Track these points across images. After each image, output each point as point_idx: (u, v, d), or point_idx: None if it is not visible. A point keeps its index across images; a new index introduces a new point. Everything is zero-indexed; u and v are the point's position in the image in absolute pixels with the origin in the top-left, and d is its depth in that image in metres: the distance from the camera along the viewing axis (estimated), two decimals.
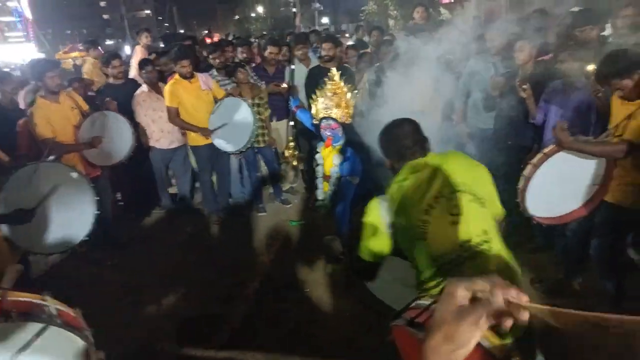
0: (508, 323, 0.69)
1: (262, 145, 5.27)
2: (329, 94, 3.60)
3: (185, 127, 4.96)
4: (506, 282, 0.71)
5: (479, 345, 0.75)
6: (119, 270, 4.36)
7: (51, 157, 3.73)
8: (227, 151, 4.97)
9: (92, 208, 3.60)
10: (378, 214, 2.00)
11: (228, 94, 4.99)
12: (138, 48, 7.21)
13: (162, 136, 5.04)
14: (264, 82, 5.35)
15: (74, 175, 3.53)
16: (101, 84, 5.72)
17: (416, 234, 1.86)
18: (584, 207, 2.96)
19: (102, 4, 74.70)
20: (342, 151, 3.67)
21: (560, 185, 2.88)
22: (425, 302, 1.06)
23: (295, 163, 5.40)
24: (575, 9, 5.23)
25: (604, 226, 3.05)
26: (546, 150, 2.80)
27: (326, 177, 3.80)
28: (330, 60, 5.09)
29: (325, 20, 37.03)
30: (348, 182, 3.72)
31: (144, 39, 7.29)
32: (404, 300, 2.47)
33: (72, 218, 3.51)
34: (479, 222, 1.87)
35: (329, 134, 3.63)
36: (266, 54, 5.59)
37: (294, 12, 6.04)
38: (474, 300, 0.71)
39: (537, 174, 2.78)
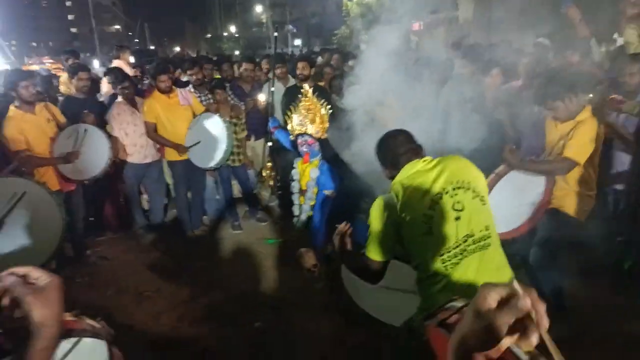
0: (525, 343, 0.71)
1: (237, 164, 5.27)
2: (303, 110, 3.66)
3: (161, 142, 4.92)
4: (539, 298, 0.73)
5: (509, 350, 0.78)
6: (89, 288, 4.22)
7: (10, 168, 3.57)
8: (202, 167, 4.96)
9: (59, 224, 3.46)
10: (383, 212, 2.03)
11: (205, 110, 4.99)
12: (121, 63, 7.07)
13: (135, 150, 4.95)
14: (242, 102, 5.38)
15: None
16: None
17: (421, 229, 1.93)
18: (527, 223, 3.18)
19: (70, 17, 73.60)
20: (318, 166, 3.73)
21: (511, 203, 3.10)
22: (458, 304, 1.09)
23: (271, 183, 5.41)
24: (541, 39, 5.54)
25: (547, 232, 3.27)
26: (497, 170, 3.06)
27: (302, 192, 3.83)
28: (305, 79, 5.18)
29: (297, 42, 37.53)
30: (324, 196, 3.76)
31: (127, 56, 7.25)
32: (391, 309, 2.50)
33: (39, 234, 3.36)
34: (482, 217, 1.97)
35: (305, 149, 3.68)
36: (241, 70, 5.63)
37: (275, 35, 6.07)
38: (503, 304, 0.73)
39: (492, 194, 2.93)
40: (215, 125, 4.77)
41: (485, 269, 1.91)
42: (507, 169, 3.04)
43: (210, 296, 4.03)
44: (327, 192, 3.73)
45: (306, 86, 3.81)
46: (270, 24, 33.17)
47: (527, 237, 3.30)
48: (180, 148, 4.84)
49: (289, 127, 3.77)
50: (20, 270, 0.94)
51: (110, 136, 4.57)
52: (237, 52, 32.28)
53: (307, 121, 3.63)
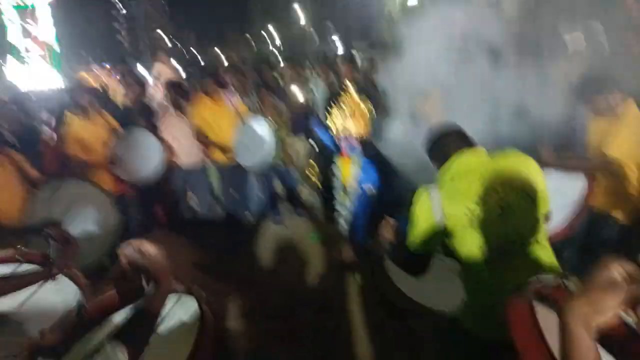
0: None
1: (278, 162, 5.36)
2: (343, 106, 3.65)
3: (208, 144, 5.07)
4: None
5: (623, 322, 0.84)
6: None
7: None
8: (247, 168, 5.08)
9: (114, 223, 3.64)
10: (428, 203, 1.98)
11: (250, 112, 5.11)
12: (160, 68, 7.32)
13: (182, 153, 5.13)
14: (283, 102, 5.47)
15: None
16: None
17: (462, 222, 1.90)
18: (568, 226, 2.96)
19: (117, 25, 76.40)
20: (358, 161, 3.73)
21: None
22: (548, 278, 1.11)
23: (314, 180, 5.45)
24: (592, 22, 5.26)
25: (589, 237, 3.12)
26: None
27: (343, 188, 3.84)
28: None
29: (337, 41, 37.46)
30: (364, 192, 3.75)
31: (163, 62, 7.43)
32: (435, 295, 2.46)
33: (95, 233, 3.54)
34: (528, 218, 1.91)
35: (345, 145, 3.70)
36: (282, 71, 5.73)
37: (313, 35, 6.15)
38: (626, 279, 0.80)
39: None
40: (260, 126, 4.87)
41: (527, 269, 1.84)
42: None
43: (252, 291, 4.11)
44: (367, 188, 3.71)
45: (348, 82, 3.80)
46: (310, 25, 33.34)
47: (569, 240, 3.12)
48: (228, 150, 4.98)
49: (329, 123, 3.77)
50: (135, 243, 1.32)
51: (161, 139, 4.76)
52: (278, 54, 32.62)
53: (347, 116, 3.61)
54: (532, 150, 2.91)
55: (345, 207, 3.88)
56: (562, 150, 3.02)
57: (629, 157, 2.82)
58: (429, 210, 1.97)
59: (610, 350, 0.91)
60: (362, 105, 3.65)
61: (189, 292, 1.64)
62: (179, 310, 1.63)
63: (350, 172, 3.74)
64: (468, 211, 1.89)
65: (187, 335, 1.49)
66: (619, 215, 3.01)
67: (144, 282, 1.32)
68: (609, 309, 0.79)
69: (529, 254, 1.89)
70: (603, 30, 4.83)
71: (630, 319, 0.83)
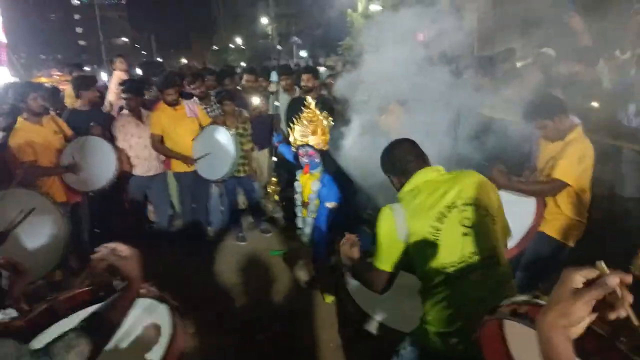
0: (612, 316, 0.81)
1: (242, 174, 5.29)
2: (305, 121, 3.67)
3: (167, 154, 4.95)
4: (626, 273, 0.82)
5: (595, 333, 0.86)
6: None
7: (16, 180, 3.57)
8: (209, 179, 4.97)
9: (64, 235, 3.49)
10: (392, 222, 1.98)
11: (212, 122, 5.02)
12: (116, 73, 7.13)
13: (139, 163, 4.96)
14: (247, 114, 5.40)
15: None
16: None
17: (426, 241, 1.90)
18: (517, 246, 3.02)
19: (79, 30, 74.55)
20: (319, 178, 3.73)
21: None
22: (523, 297, 1.12)
23: (276, 198, 5.44)
24: (546, 49, 5.53)
25: (533, 256, 3.18)
26: None
27: (305, 204, 3.84)
28: (309, 91, 5.21)
29: (303, 53, 37.73)
30: (325, 209, 3.76)
31: (119, 64, 7.18)
32: (401, 316, 2.46)
33: (44, 244, 3.39)
34: (490, 237, 1.93)
35: (306, 160, 3.70)
36: (243, 82, 5.70)
37: (279, 48, 6.21)
38: (589, 284, 0.82)
39: None
40: (222, 137, 4.79)
41: (487, 286, 1.88)
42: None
43: (214, 308, 4.01)
44: (329, 204, 3.72)
45: (309, 98, 3.83)
46: (276, 36, 33.45)
47: (514, 260, 3.17)
48: (188, 160, 4.86)
49: (291, 138, 3.78)
50: (110, 245, 1.46)
51: (116, 148, 4.61)
52: (243, 64, 32.51)
53: (308, 132, 3.65)
54: (485, 169, 3.00)
55: (306, 223, 3.87)
56: (515, 171, 3.11)
57: (574, 182, 2.92)
58: (392, 229, 1.97)
59: None
60: (324, 122, 3.67)
61: (160, 299, 1.78)
62: (146, 316, 1.73)
63: (311, 188, 3.74)
64: (432, 229, 1.90)
65: (150, 340, 1.65)
66: (559, 236, 3.10)
67: (115, 283, 1.49)
68: (581, 318, 0.81)
69: (490, 273, 1.91)
70: (555, 57, 5.06)
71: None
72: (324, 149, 3.68)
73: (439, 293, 1.91)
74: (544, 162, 3.10)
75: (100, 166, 4.37)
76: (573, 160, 2.89)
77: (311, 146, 3.64)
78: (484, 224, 1.93)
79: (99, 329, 1.25)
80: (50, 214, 3.44)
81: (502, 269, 1.95)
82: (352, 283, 2.64)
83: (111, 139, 4.72)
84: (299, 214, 3.95)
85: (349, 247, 2.31)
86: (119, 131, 4.85)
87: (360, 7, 21.63)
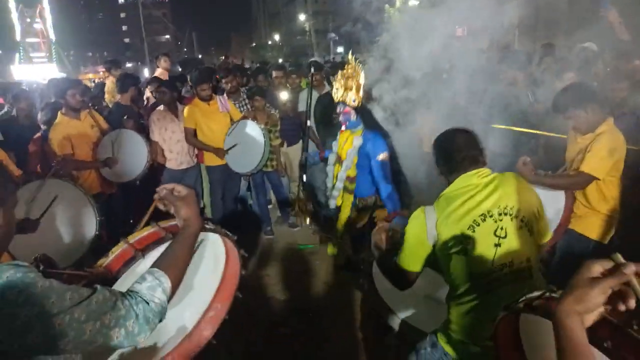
0: (623, 306, 0.85)
1: (270, 169, 5.36)
2: (342, 78, 3.52)
3: (200, 146, 5.07)
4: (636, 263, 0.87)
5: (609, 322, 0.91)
6: None
7: (52, 171, 3.72)
8: (239, 172, 5.06)
9: (93, 227, 3.60)
10: (423, 224, 1.92)
11: (243, 117, 5.11)
12: (158, 71, 7.41)
13: (172, 157, 5.10)
14: (277, 110, 5.46)
15: None
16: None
17: (455, 248, 1.86)
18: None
19: (124, 28, 77.06)
20: (362, 134, 3.55)
21: None
22: (536, 294, 1.15)
23: (306, 217, 5.30)
24: (588, 44, 5.34)
25: (564, 255, 3.09)
26: None
27: (340, 160, 3.66)
28: None
29: (340, 49, 37.70)
30: (378, 164, 3.47)
31: (163, 62, 7.48)
32: (418, 312, 2.43)
33: (74, 232, 3.52)
34: (524, 249, 1.86)
35: (342, 119, 3.56)
36: (273, 77, 5.77)
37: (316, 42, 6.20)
38: (605, 274, 0.87)
39: None
40: (253, 131, 4.86)
41: (515, 294, 1.78)
42: None
43: (241, 301, 4.07)
44: (381, 156, 3.47)
45: (350, 55, 3.62)
46: (313, 32, 33.53)
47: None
48: (219, 152, 4.97)
49: (333, 94, 3.62)
50: (169, 186, 1.48)
51: (149, 141, 4.76)
52: (280, 60, 32.81)
53: (345, 89, 3.49)
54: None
55: (337, 188, 3.70)
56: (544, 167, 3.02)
57: (603, 175, 2.81)
58: (422, 230, 1.92)
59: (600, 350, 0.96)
60: (361, 79, 3.51)
61: (212, 230, 1.80)
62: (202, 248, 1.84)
63: (352, 144, 3.55)
64: (463, 237, 1.84)
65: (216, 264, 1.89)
66: (591, 234, 3.00)
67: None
68: (596, 305, 0.86)
69: (521, 287, 1.82)
70: (597, 52, 4.88)
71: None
72: (357, 105, 3.51)
73: (466, 303, 1.87)
74: (574, 156, 3.01)
75: (133, 158, 4.53)
76: (603, 154, 2.78)
77: (345, 103, 3.51)
78: (520, 236, 1.86)
79: (171, 266, 1.31)
80: (82, 203, 3.59)
81: (534, 282, 1.86)
82: (378, 276, 2.61)
83: (146, 133, 4.89)
84: (333, 199, 3.78)
85: (381, 236, 2.26)
86: (154, 124, 5.01)
87: (398, 3, 21.43)
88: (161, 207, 1.51)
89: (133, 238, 1.65)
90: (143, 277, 1.25)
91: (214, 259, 1.96)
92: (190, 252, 1.41)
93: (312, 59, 5.88)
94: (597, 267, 0.88)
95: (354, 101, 3.47)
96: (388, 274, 2.20)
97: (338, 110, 3.56)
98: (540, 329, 1.14)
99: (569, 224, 2.98)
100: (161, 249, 1.42)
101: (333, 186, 3.74)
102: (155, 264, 1.31)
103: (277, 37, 54.19)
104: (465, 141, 2.04)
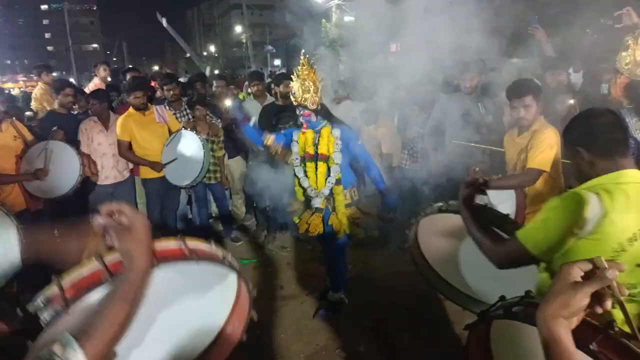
0: (598, 310, 0.86)
1: (213, 182, 5.20)
2: (299, 80, 3.46)
3: (134, 160, 4.82)
4: (617, 263, 0.89)
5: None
6: None
7: None
8: (177, 185, 4.86)
9: (16, 248, 3.29)
10: (583, 212, 1.56)
11: (182, 127, 4.92)
12: (96, 81, 6.97)
13: (102, 171, 4.81)
14: (219, 119, 5.32)
15: None
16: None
17: (599, 253, 1.59)
18: None
19: (47, 35, 72.93)
20: (331, 130, 3.51)
21: None
22: (514, 299, 1.11)
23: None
24: (515, 60, 5.65)
25: None
26: None
27: (323, 157, 3.52)
28: (286, 97, 5.13)
29: (277, 62, 37.82)
30: (361, 149, 3.53)
31: (102, 71, 7.05)
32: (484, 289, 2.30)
33: None
34: None
35: (302, 120, 3.54)
36: (213, 88, 5.65)
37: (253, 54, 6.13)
38: (587, 277, 0.88)
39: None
40: (192, 143, 4.69)
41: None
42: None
43: None
44: (359, 140, 3.56)
45: (303, 56, 3.51)
46: (250, 44, 33.37)
47: None
48: (156, 166, 4.74)
49: (292, 97, 3.55)
50: (114, 206, 1.12)
51: (81, 153, 4.46)
52: (216, 71, 32.37)
53: (302, 92, 3.44)
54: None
55: (329, 182, 3.54)
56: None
57: (550, 168, 3.01)
58: (579, 218, 1.58)
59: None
60: (317, 81, 3.49)
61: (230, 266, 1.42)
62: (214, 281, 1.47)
63: (333, 135, 3.50)
64: (617, 246, 1.57)
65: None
66: None
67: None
68: (580, 309, 0.86)
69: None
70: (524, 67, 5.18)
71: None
72: (315, 107, 3.47)
73: None
74: (515, 156, 3.19)
75: (63, 172, 4.21)
76: (545, 148, 2.97)
77: (304, 106, 3.46)
78: None
79: (91, 336, 0.95)
80: (3, 222, 3.26)
81: None
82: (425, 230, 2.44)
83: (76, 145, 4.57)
84: (314, 195, 3.54)
85: (473, 189, 1.99)
86: (82, 135, 4.70)
87: (334, 18, 21.83)
88: (107, 240, 1.13)
89: (68, 280, 1.12)
90: (49, 350, 0.90)
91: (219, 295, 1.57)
92: (131, 306, 1.03)
93: (253, 69, 5.80)
94: (577, 270, 0.89)
95: (312, 105, 3.45)
96: (483, 243, 1.82)
97: (298, 113, 3.52)
98: (513, 335, 1.13)
99: (524, 221, 3.10)
100: (95, 296, 1.05)
101: (311, 187, 3.58)
102: (75, 330, 0.96)
103: (212, 48, 53.45)
104: (619, 121, 1.77)
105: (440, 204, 2.26)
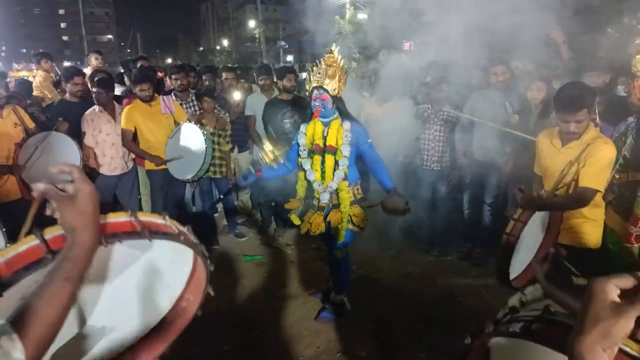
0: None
1: (218, 176, 5.09)
2: (324, 65, 3.35)
3: (136, 152, 4.74)
4: None
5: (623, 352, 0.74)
6: None
7: None
8: (180, 179, 4.76)
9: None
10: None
11: (188, 119, 4.82)
12: (88, 70, 6.89)
13: (105, 161, 4.72)
14: (227, 113, 5.21)
15: None
16: (52, 99, 5.37)
17: None
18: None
19: (63, 25, 73.47)
20: (344, 127, 3.38)
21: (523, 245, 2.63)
22: (533, 312, 0.96)
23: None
24: (517, 63, 5.44)
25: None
26: (516, 216, 2.45)
27: (331, 149, 3.37)
28: (290, 91, 5.02)
29: (289, 58, 37.72)
30: (370, 146, 3.39)
31: (94, 60, 6.92)
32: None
33: None
34: None
35: (317, 104, 3.34)
36: (223, 79, 5.60)
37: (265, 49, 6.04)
38: (625, 296, 0.72)
39: (524, 240, 2.49)
40: (195, 136, 4.58)
41: None
42: (529, 212, 2.44)
43: None
44: (369, 140, 3.41)
45: (333, 45, 3.44)
46: (263, 39, 33.27)
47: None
48: (158, 160, 4.65)
49: (311, 79, 3.40)
50: (66, 167, 0.97)
51: (81, 144, 4.36)
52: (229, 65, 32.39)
53: (325, 75, 3.32)
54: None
55: (338, 177, 3.40)
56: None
57: (604, 185, 2.73)
58: None
59: None
60: (344, 70, 3.39)
61: (186, 240, 1.29)
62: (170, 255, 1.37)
63: (343, 129, 3.37)
64: None
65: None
66: (590, 243, 2.90)
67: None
68: (623, 338, 0.71)
69: None
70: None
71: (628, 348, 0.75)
72: (338, 95, 3.38)
73: None
74: (559, 167, 2.76)
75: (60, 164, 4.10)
76: (604, 167, 2.65)
77: (326, 90, 3.32)
78: None
79: (30, 323, 0.85)
80: None
81: None
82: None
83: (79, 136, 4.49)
84: (307, 167, 3.45)
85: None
86: (87, 125, 4.60)
87: (348, 15, 21.67)
88: (48, 211, 0.97)
89: (3, 256, 0.98)
90: None
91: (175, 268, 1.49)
92: (74, 286, 0.91)
93: (262, 63, 5.71)
94: (612, 288, 0.73)
95: (334, 90, 3.32)
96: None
97: (315, 96, 3.34)
98: (520, 355, 1.00)
99: (556, 240, 2.76)
100: (37, 276, 0.92)
101: (318, 182, 3.43)
102: (11, 314, 0.84)
103: (225, 42, 53.48)
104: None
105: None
